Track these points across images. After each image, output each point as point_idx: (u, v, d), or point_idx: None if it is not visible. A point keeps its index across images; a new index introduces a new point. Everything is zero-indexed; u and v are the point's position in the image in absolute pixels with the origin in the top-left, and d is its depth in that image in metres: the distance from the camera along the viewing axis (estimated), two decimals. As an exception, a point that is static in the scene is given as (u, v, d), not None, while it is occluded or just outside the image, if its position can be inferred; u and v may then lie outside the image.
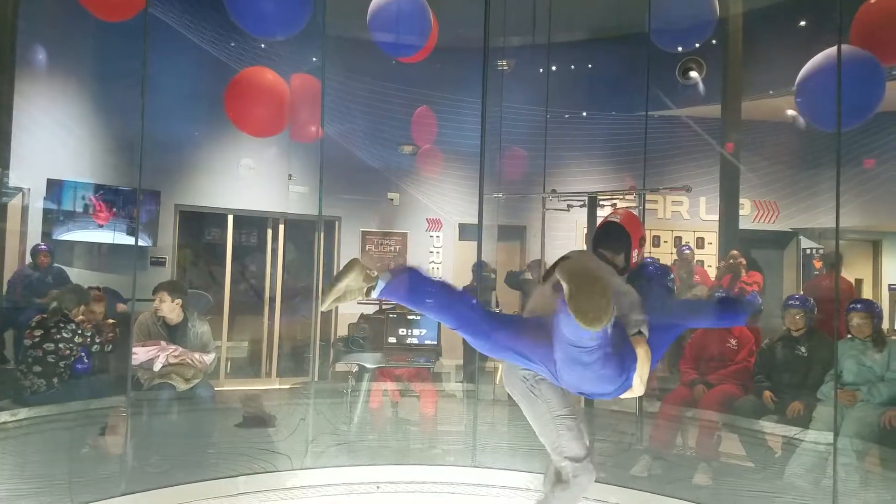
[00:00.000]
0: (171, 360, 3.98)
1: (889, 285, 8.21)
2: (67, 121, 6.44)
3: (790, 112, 6.96)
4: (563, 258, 2.45)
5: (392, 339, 5.11)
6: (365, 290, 2.11)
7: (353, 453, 4.18)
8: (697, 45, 5.81)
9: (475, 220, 4.49)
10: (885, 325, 4.46)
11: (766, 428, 3.94)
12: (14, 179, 5.80)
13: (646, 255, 3.24)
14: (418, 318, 5.07)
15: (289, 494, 3.58)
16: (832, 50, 3.63)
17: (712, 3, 4.93)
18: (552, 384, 2.35)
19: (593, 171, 8.13)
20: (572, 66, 8.01)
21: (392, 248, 8.07)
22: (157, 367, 3.94)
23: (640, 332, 2.18)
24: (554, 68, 7.45)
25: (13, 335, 5.43)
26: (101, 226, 6.47)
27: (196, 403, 4.04)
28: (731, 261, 5.95)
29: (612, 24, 7.30)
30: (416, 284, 2.17)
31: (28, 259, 5.89)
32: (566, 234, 7.39)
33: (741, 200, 7.41)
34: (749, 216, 8.17)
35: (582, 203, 5.05)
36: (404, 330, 5.11)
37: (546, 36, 6.52)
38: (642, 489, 3.59)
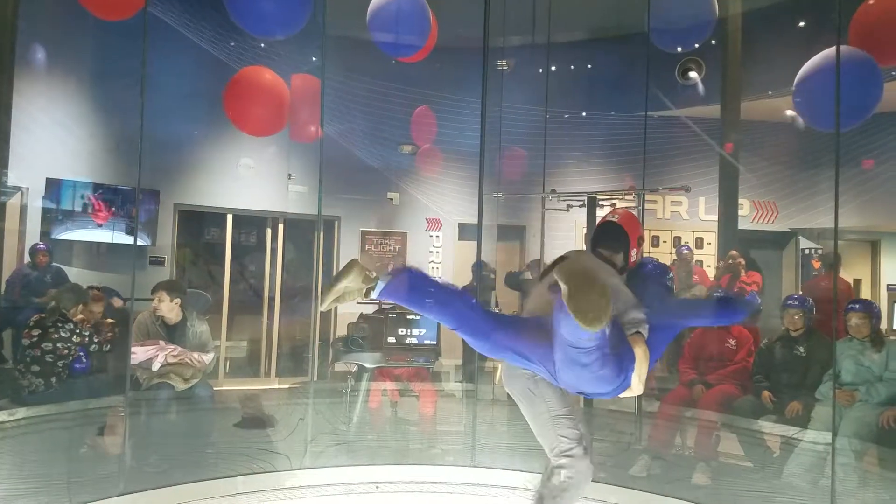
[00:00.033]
0: (170, 360, 3.98)
1: (887, 285, 8.22)
2: (66, 120, 6.43)
3: (789, 112, 6.96)
4: (561, 258, 2.45)
5: (391, 339, 5.11)
6: (364, 290, 2.12)
7: (353, 453, 4.18)
8: (697, 45, 5.82)
9: (475, 220, 4.49)
10: (884, 325, 4.46)
11: (765, 428, 3.95)
12: (13, 178, 5.79)
13: (644, 254, 3.24)
14: (418, 317, 5.07)
15: (287, 494, 3.58)
16: (831, 50, 3.64)
17: (711, 3, 4.94)
18: (551, 384, 2.35)
19: (593, 172, 8.14)
20: (572, 66, 8.01)
21: (391, 248, 8.06)
22: (155, 366, 3.93)
23: (638, 333, 2.19)
24: (553, 68, 7.45)
25: (11, 335, 5.42)
26: (99, 225, 6.46)
27: (195, 403, 4.04)
28: (730, 261, 5.95)
29: (612, 24, 7.31)
30: (416, 285, 2.17)
31: (27, 258, 5.88)
32: (566, 234, 7.39)
33: (740, 201, 7.41)
34: (748, 216, 8.18)
35: (581, 203, 5.05)
36: (404, 330, 5.11)
37: (546, 36, 6.52)
38: (641, 489, 3.59)
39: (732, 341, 4.36)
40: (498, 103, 5.73)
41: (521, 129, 6.78)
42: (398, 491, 3.70)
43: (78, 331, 4.17)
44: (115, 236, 6.54)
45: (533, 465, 3.60)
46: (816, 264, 7.63)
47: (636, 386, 2.21)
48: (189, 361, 4.03)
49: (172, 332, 4.12)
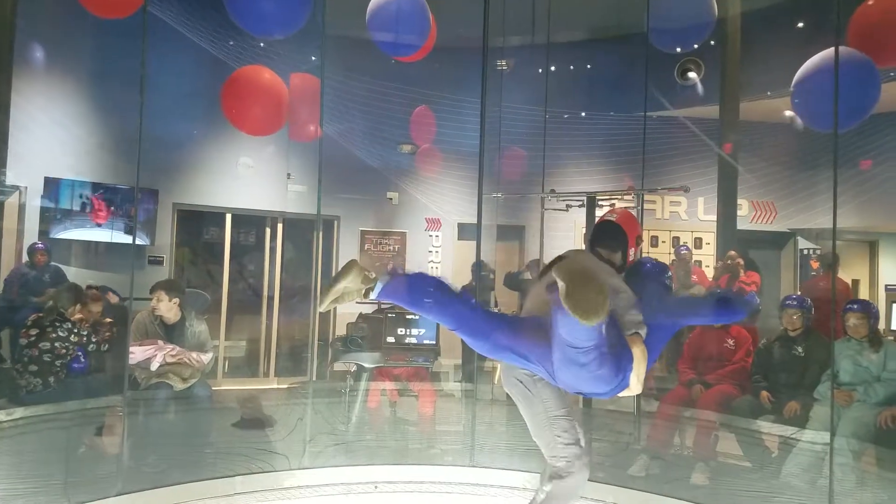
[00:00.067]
0: (169, 360, 3.98)
1: (885, 286, 8.23)
2: (65, 119, 6.43)
3: (788, 113, 6.97)
4: (559, 257, 2.45)
5: (391, 339, 5.11)
6: (363, 291, 2.12)
7: (351, 453, 4.18)
8: (696, 45, 5.83)
9: (474, 220, 4.49)
10: (882, 325, 4.46)
11: (764, 428, 3.95)
12: (11, 177, 5.79)
13: (643, 254, 3.24)
14: (417, 317, 5.07)
15: (286, 494, 3.58)
16: (829, 51, 3.64)
17: (711, 3, 4.94)
18: (550, 384, 2.36)
19: (592, 172, 8.14)
20: (571, 67, 8.02)
21: (391, 248, 8.06)
22: (154, 366, 3.93)
23: (636, 333, 2.19)
24: (553, 68, 7.45)
25: (9, 334, 5.40)
26: (98, 224, 6.46)
27: (193, 403, 4.03)
28: (729, 261, 5.97)
29: (611, 24, 7.31)
30: (415, 285, 2.17)
31: (25, 257, 5.87)
32: (565, 234, 7.39)
33: (739, 201, 7.42)
34: (747, 217, 8.18)
35: (581, 203, 5.05)
36: (403, 329, 5.11)
37: (545, 36, 6.51)
38: (640, 489, 3.60)
39: (731, 341, 4.36)
40: (497, 103, 5.73)
41: (520, 129, 6.78)
42: (397, 491, 3.70)
43: (76, 330, 4.17)
44: (114, 236, 6.53)
45: (532, 465, 3.60)
46: (815, 264, 7.65)
47: (634, 386, 2.21)
48: (188, 361, 4.02)
49: (171, 332, 4.12)
